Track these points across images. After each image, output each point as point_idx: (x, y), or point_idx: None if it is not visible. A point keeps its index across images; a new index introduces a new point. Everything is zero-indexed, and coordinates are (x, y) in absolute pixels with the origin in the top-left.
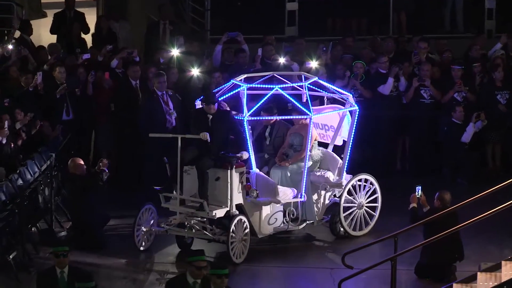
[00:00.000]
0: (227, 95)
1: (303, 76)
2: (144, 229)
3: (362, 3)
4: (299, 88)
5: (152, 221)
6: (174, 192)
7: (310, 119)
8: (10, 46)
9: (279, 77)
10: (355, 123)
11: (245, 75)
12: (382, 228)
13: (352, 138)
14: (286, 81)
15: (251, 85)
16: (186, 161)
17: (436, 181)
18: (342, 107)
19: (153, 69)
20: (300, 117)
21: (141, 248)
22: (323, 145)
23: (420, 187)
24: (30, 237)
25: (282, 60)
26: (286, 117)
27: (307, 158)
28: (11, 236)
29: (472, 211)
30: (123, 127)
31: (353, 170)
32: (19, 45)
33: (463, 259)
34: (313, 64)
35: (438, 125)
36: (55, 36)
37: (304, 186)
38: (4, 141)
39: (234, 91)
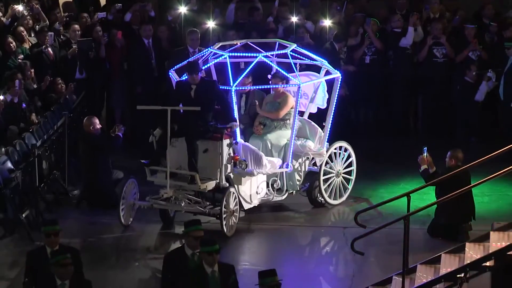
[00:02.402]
0: (208, 65)
1: (277, 43)
2: (129, 204)
3: None
4: (270, 56)
5: (135, 195)
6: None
7: (299, 87)
8: (21, 8)
9: (252, 45)
10: (337, 90)
11: (220, 43)
12: (394, 186)
13: (334, 106)
14: (260, 49)
15: (233, 54)
16: (174, 132)
17: (449, 140)
18: (317, 74)
19: (163, 28)
20: (288, 85)
21: (124, 223)
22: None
23: (426, 148)
24: (43, 196)
25: (294, 19)
26: (273, 86)
27: (293, 128)
28: (24, 195)
29: (485, 169)
30: (136, 85)
31: (363, 130)
32: (30, 2)
33: (475, 218)
34: (327, 22)
35: (451, 84)
36: None
37: (290, 156)
38: (15, 100)
39: (215, 60)
